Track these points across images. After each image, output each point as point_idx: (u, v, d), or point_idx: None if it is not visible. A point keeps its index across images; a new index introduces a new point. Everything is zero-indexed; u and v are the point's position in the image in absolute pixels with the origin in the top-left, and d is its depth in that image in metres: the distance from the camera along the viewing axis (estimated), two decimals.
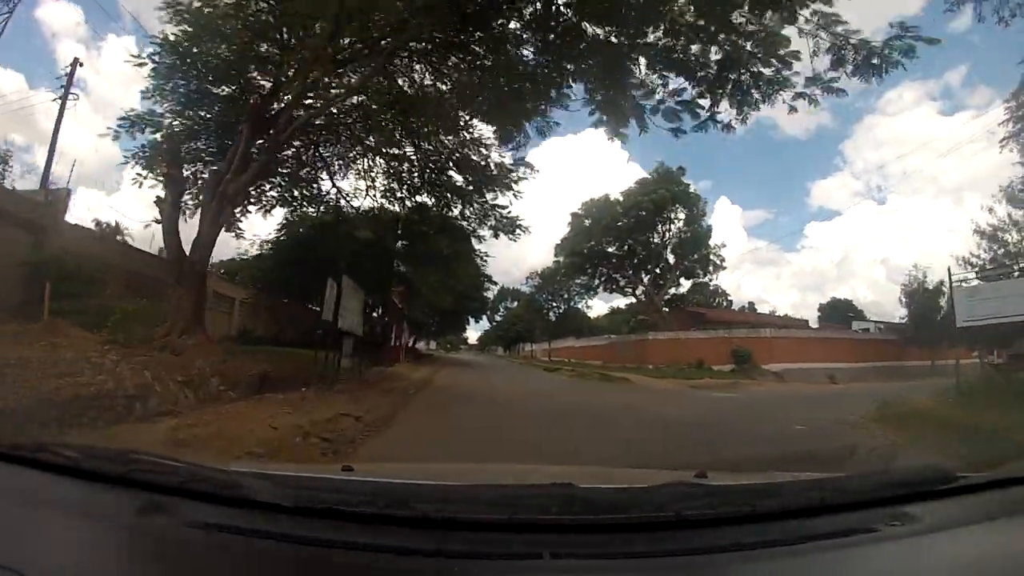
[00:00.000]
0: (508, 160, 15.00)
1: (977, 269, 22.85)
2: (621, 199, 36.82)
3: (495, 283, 38.25)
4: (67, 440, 1.67)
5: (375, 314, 22.41)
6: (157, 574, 1.19)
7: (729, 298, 50.21)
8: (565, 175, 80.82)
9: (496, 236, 15.96)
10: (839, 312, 52.03)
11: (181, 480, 1.42)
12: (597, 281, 41.96)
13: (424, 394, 13.06)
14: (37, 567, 1.12)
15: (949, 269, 17.24)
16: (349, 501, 1.33)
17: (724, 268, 38.72)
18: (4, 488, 1.49)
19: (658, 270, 39.70)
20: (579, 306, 56.03)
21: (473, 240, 18.75)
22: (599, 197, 37.73)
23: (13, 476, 1.52)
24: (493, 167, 14.73)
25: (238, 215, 14.15)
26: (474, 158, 14.55)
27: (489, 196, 15.63)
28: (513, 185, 15.15)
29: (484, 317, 56.43)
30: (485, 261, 23.70)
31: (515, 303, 64.13)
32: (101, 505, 1.39)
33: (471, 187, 15.12)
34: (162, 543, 1.24)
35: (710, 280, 38.26)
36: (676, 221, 37.77)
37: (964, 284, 15.58)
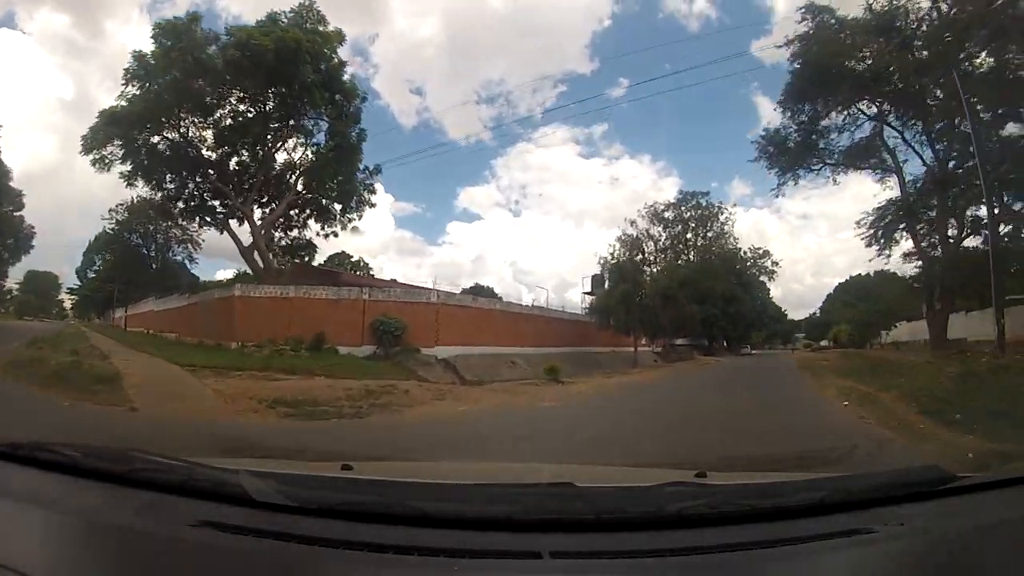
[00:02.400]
0: None
1: None
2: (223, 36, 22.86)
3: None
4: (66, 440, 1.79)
5: None
6: (157, 573, 1.19)
7: (372, 272, 46.01)
8: None
9: None
10: (484, 297, 48.78)
11: (181, 479, 1.42)
12: (182, 204, 27.22)
13: None
14: (37, 567, 1.11)
15: None
16: (349, 500, 1.33)
17: (374, 205, 28.68)
18: (4, 488, 1.48)
19: (275, 201, 26.94)
20: (183, 258, 43.25)
21: None
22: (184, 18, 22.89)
23: (13, 476, 1.51)
24: None
25: None
26: None
27: None
28: None
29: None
30: None
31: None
32: (101, 504, 1.39)
33: None
34: (163, 542, 1.24)
35: (356, 220, 28.17)
36: (316, 128, 25.91)
37: None
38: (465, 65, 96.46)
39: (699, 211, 50.10)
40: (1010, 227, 24.20)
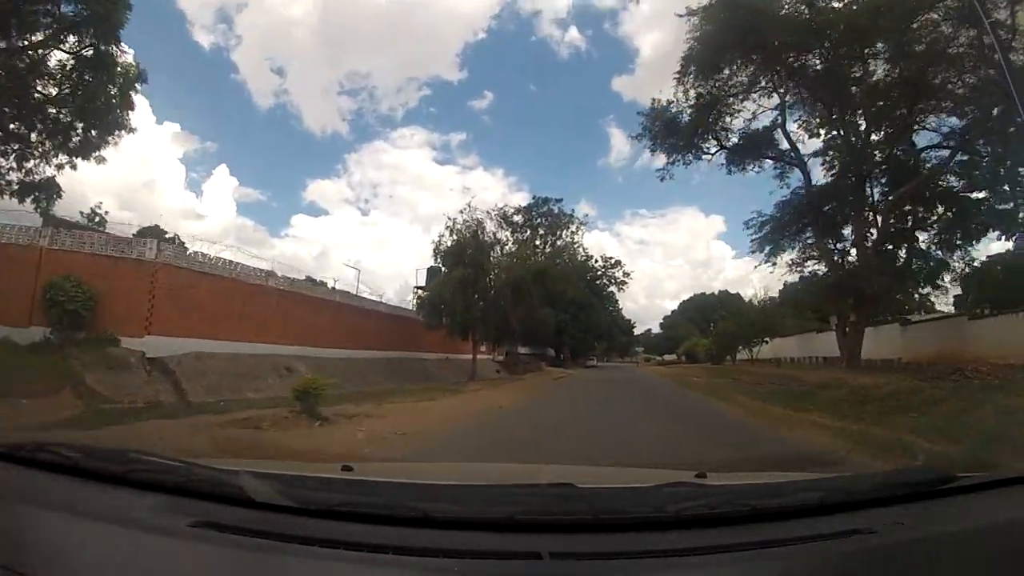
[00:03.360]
0: None
1: None
2: None
3: None
4: (68, 440, 1.97)
5: None
6: (158, 574, 1.21)
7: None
8: None
9: None
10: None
11: (181, 480, 1.47)
12: None
13: None
14: (37, 567, 1.15)
15: None
16: (349, 501, 1.37)
17: (133, 130, 18.17)
18: (4, 488, 1.55)
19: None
20: None
21: None
22: None
23: (13, 476, 1.57)
24: None
25: None
26: None
27: None
28: None
29: None
30: None
31: None
32: (101, 505, 1.41)
33: None
34: (162, 543, 1.26)
35: (108, 145, 17.44)
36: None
37: None
38: (333, 52, 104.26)
39: (550, 218, 49.41)
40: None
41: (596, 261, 60.01)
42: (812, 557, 1.26)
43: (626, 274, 62.87)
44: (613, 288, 63.88)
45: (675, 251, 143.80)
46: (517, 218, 47.62)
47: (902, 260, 24.44)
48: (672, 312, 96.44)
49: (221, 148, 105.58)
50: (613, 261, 62.64)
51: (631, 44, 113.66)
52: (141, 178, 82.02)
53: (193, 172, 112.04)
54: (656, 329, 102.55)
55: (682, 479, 1.71)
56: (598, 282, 60.53)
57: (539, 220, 50.08)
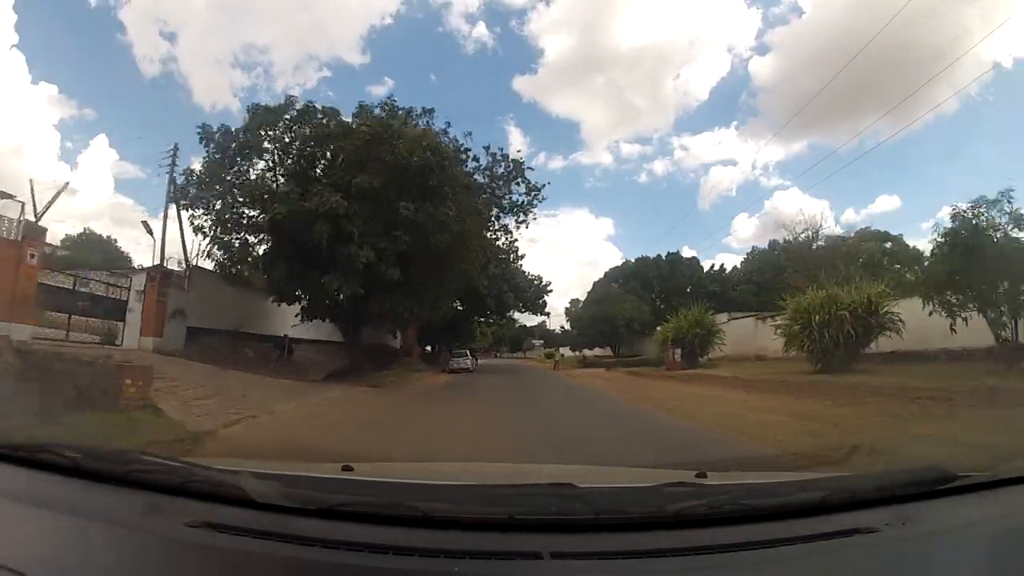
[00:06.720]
0: None
1: None
2: None
3: None
4: (67, 441, 2.00)
5: None
6: (157, 574, 1.25)
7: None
8: None
9: None
10: None
11: (181, 480, 1.49)
12: None
13: None
14: (37, 567, 1.16)
15: None
16: (349, 501, 1.40)
17: None
18: (4, 488, 1.58)
19: None
20: None
21: None
22: None
23: (13, 476, 1.60)
24: None
25: None
26: None
27: None
28: None
29: None
30: None
31: None
32: (101, 505, 1.46)
33: None
34: (162, 543, 1.31)
35: None
36: None
37: None
38: (230, 21, 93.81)
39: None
40: None
41: (476, 159, 28.55)
42: (813, 557, 1.26)
43: (534, 188, 30.43)
44: (510, 219, 31.61)
45: (563, 250, 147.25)
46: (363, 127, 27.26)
47: None
48: (595, 283, 68.77)
49: (101, 116, 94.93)
50: (511, 162, 29.35)
51: (536, 45, 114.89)
52: (9, 143, 71.01)
53: (69, 141, 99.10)
54: (551, 323, 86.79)
55: (682, 479, 1.71)
56: (484, 197, 28.47)
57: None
